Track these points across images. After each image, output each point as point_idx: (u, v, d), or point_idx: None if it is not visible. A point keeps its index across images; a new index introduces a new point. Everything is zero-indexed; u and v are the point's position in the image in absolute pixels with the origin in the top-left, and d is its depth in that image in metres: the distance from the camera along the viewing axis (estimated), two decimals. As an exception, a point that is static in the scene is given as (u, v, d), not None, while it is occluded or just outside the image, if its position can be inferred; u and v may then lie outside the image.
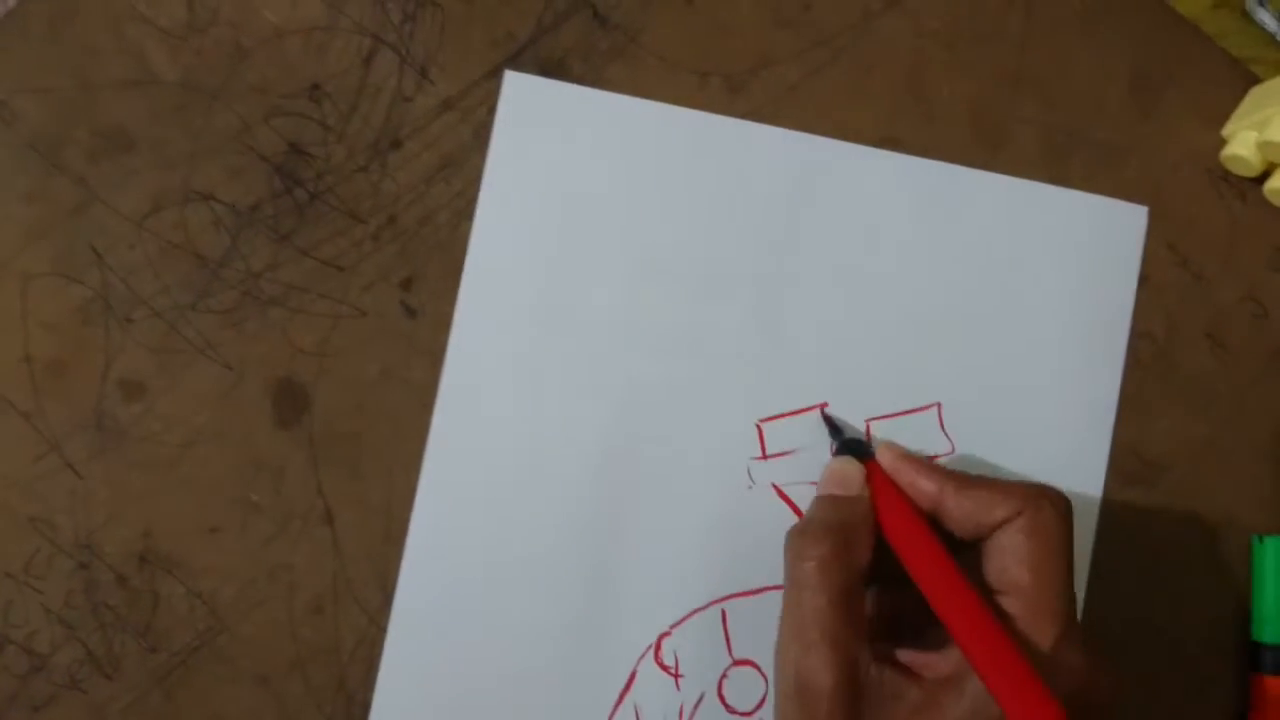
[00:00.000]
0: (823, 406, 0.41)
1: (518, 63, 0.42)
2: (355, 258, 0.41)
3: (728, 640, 0.41)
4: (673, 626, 0.41)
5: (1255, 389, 0.43)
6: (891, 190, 0.42)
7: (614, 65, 0.42)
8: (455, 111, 0.42)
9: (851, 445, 0.39)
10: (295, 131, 0.41)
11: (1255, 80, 0.43)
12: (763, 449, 0.41)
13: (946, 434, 0.41)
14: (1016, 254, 0.42)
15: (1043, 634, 0.33)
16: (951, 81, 0.42)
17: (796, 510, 0.41)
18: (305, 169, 0.41)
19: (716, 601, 0.41)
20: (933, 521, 0.36)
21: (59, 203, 0.40)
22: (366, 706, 0.40)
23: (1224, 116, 0.43)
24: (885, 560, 0.36)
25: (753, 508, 0.41)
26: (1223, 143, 0.43)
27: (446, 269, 0.41)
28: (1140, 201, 0.42)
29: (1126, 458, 0.42)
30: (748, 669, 0.41)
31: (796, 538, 0.36)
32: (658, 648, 0.41)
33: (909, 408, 0.41)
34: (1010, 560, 0.34)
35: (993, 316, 0.42)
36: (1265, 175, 0.42)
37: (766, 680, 0.41)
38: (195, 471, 0.40)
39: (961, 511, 0.35)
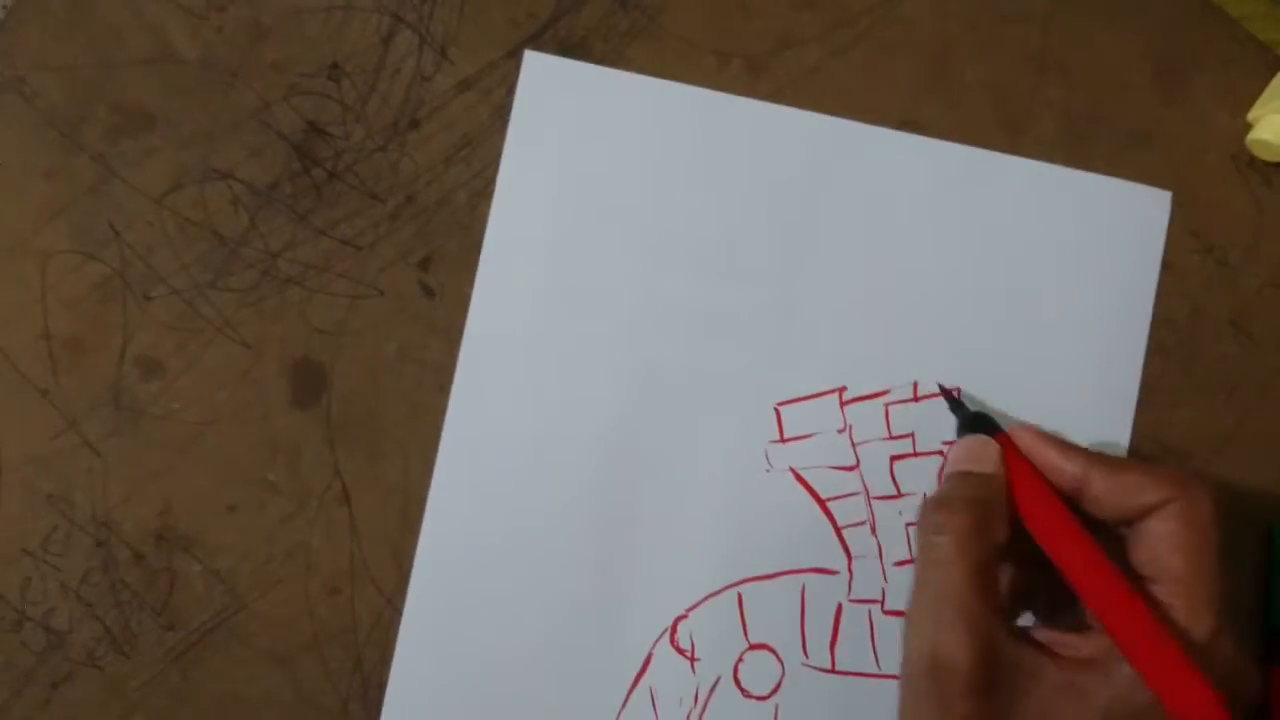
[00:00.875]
0: (954, 391, 0.41)
1: (538, 43, 0.41)
2: (373, 237, 0.41)
3: (744, 624, 0.41)
4: (689, 610, 0.41)
5: (1278, 377, 0.42)
6: (913, 174, 0.42)
7: (635, 45, 0.42)
8: (474, 91, 0.41)
9: (979, 421, 0.38)
10: (314, 110, 0.41)
11: (1282, 64, 0.42)
12: (780, 432, 0.41)
13: None
14: (1039, 239, 0.42)
15: (1199, 623, 0.32)
16: (974, 64, 0.42)
17: (814, 494, 0.41)
18: (324, 148, 0.41)
19: (732, 585, 0.41)
20: (1071, 504, 0.35)
21: (78, 180, 0.40)
22: (383, 687, 0.40)
23: (1250, 101, 0.42)
24: (1015, 539, 0.35)
25: (770, 492, 0.41)
26: (1248, 127, 0.42)
27: (465, 249, 0.41)
28: (1164, 187, 0.42)
29: (1147, 445, 0.42)
30: (764, 653, 0.41)
31: (932, 511, 0.35)
32: (674, 631, 0.41)
33: (929, 392, 0.41)
34: (1163, 547, 0.33)
35: (1014, 301, 0.41)
36: (1291, 161, 0.42)
37: (783, 664, 0.41)
38: (213, 450, 0.40)
39: (1107, 494, 0.34)
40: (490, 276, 0.41)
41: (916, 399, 0.41)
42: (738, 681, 0.41)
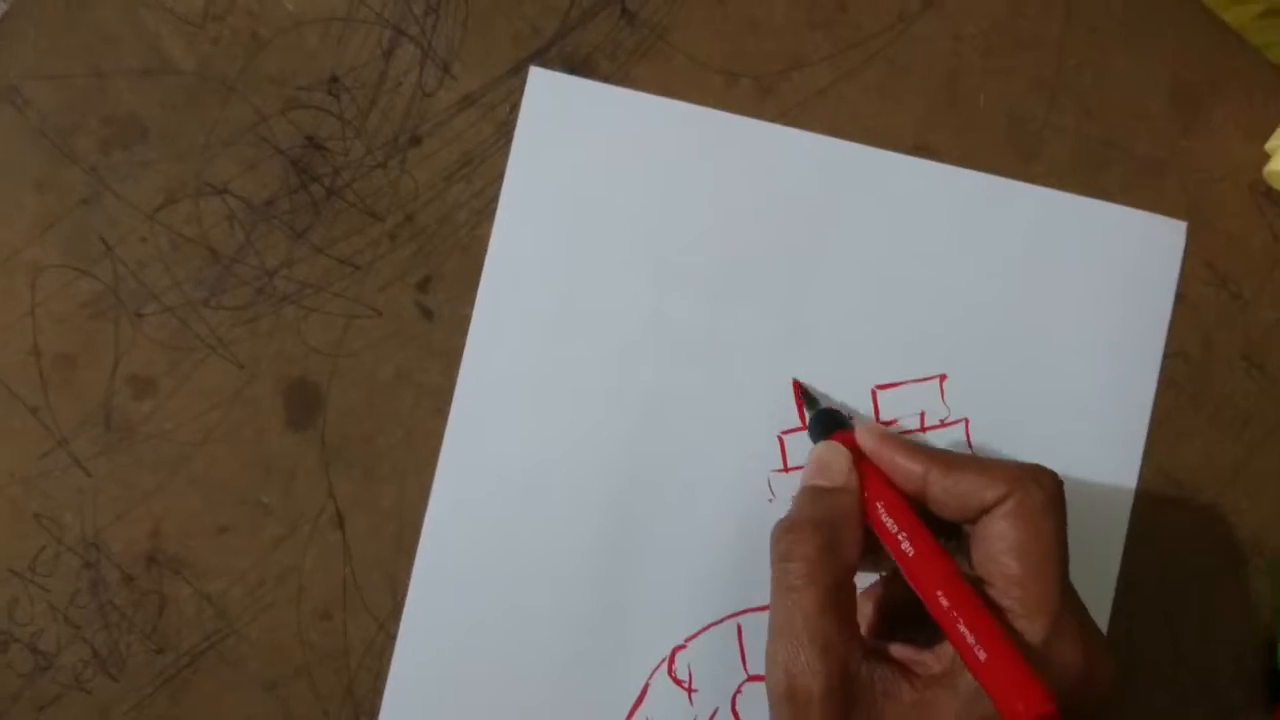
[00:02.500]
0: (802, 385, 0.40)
1: (543, 59, 0.41)
2: (371, 256, 0.40)
3: (743, 655, 0.40)
4: (687, 640, 0.40)
5: (1291, 412, 0.42)
6: (924, 200, 0.41)
7: (642, 64, 0.41)
8: (477, 108, 0.40)
9: (827, 417, 0.38)
10: (313, 125, 0.40)
11: (1302, 94, 0.42)
12: (784, 461, 0.40)
13: (973, 449, 0.40)
14: (1051, 267, 0.41)
15: (1033, 626, 0.32)
16: (988, 88, 0.41)
17: (817, 525, 0.40)
18: (322, 164, 0.40)
19: (732, 616, 0.40)
20: (920, 506, 0.35)
21: (70, 192, 0.39)
22: (374, 714, 0.39)
23: (1268, 130, 0.41)
24: (880, 549, 0.35)
25: (772, 522, 0.40)
26: (1266, 158, 0.41)
27: (465, 270, 0.40)
28: (1179, 216, 0.41)
29: (1156, 479, 0.41)
30: (762, 685, 0.40)
31: (783, 536, 0.34)
32: (671, 661, 0.40)
33: (936, 422, 0.40)
34: (997, 548, 0.33)
35: (1025, 331, 0.41)
36: (1309, 193, 0.41)
37: None
38: (205, 471, 0.40)
39: (947, 495, 0.34)
40: (491, 298, 0.40)
41: (923, 429, 0.40)
42: (735, 713, 0.40)
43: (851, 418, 0.40)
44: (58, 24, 0.40)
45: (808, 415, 0.39)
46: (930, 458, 0.34)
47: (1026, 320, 0.41)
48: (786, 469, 0.40)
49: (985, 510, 0.33)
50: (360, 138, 0.40)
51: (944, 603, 0.32)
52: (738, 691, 0.40)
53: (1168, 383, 0.41)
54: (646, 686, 0.40)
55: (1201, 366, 0.41)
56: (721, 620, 0.40)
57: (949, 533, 0.35)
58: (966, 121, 0.41)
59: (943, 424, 0.40)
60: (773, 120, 0.41)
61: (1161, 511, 0.41)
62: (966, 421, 0.40)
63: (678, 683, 0.40)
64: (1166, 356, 0.41)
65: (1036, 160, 0.41)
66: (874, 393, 0.40)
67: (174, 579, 0.39)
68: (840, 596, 0.33)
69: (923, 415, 0.40)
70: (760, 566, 0.40)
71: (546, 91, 0.40)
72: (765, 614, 0.40)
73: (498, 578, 0.40)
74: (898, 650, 0.35)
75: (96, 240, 0.39)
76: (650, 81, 0.41)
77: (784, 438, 0.40)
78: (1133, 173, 0.41)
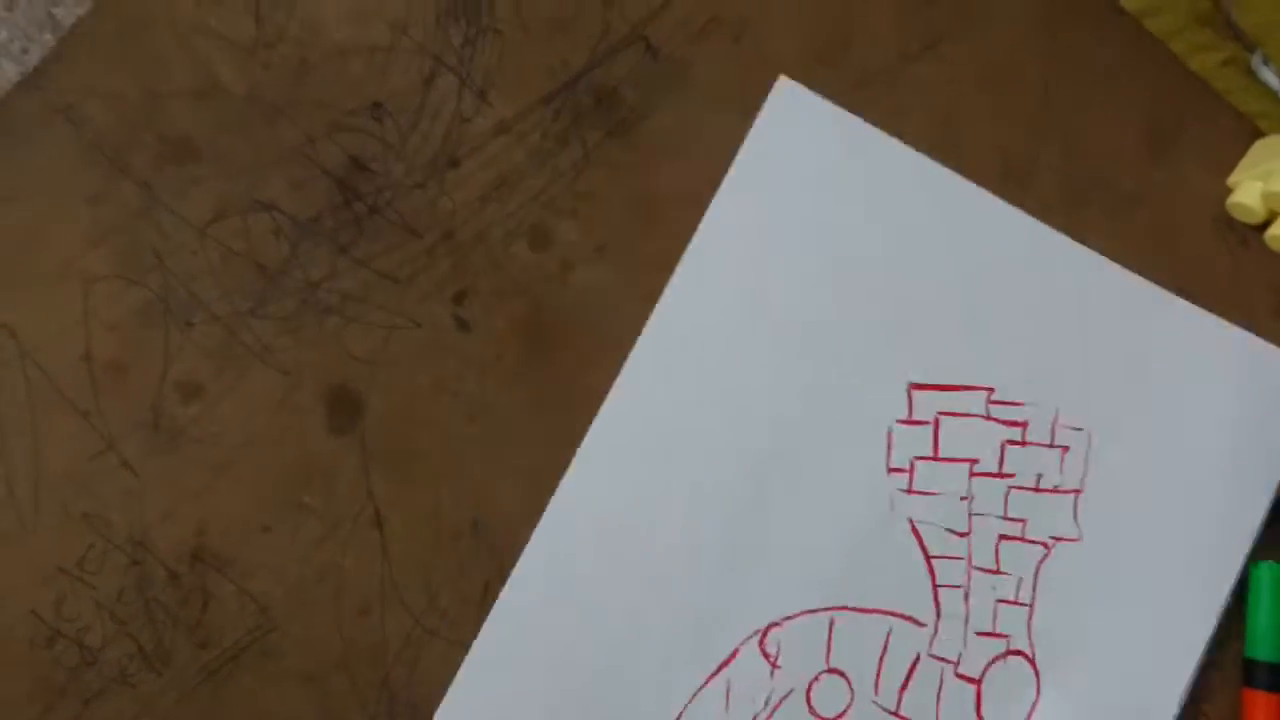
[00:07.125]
0: None
1: (571, 90, 0.43)
2: (411, 271, 0.42)
3: (829, 647, 0.42)
4: (784, 620, 0.42)
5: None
6: (1092, 302, 0.45)
7: (665, 98, 0.44)
8: (511, 135, 0.43)
9: None
10: (357, 147, 0.43)
11: (1260, 133, 0.46)
12: (910, 484, 0.43)
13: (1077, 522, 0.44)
14: (1183, 391, 0.44)
15: None
16: (980, 127, 0.45)
17: (923, 548, 0.43)
18: (365, 183, 0.42)
19: (829, 609, 0.42)
20: None
21: (123, 206, 0.41)
22: (410, 705, 0.41)
23: (1230, 167, 0.45)
24: None
25: (886, 532, 0.43)
26: (1228, 191, 0.45)
27: (499, 285, 0.43)
28: (1149, 246, 0.45)
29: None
30: (838, 678, 0.42)
31: None
32: (764, 635, 0.42)
33: (1049, 486, 0.43)
34: None
35: (1155, 449, 0.44)
36: (1267, 223, 0.45)
37: (853, 694, 0.42)
38: (249, 473, 0.41)
39: None
40: (679, 297, 0.43)
41: (1037, 489, 0.43)
42: (809, 699, 0.42)
43: None
44: (114, 46, 0.42)
45: None
46: None
47: (1157, 441, 0.44)
48: (911, 490, 0.43)
49: None
50: (401, 159, 0.43)
51: None
52: (815, 679, 0.42)
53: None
54: (736, 651, 0.42)
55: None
56: (818, 610, 0.42)
57: None
58: (961, 159, 0.44)
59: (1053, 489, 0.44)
60: (785, 150, 0.44)
61: (1139, 514, 0.44)
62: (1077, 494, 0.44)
63: (765, 656, 0.42)
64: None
65: (1026, 195, 0.44)
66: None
67: (217, 577, 0.41)
68: None
69: (1039, 477, 0.44)
70: (866, 570, 0.43)
71: (790, 106, 0.44)
72: (858, 615, 0.43)
73: (622, 524, 0.42)
74: None
75: (148, 252, 0.41)
76: (672, 115, 0.44)
77: (916, 463, 0.43)
78: (1111, 205, 0.45)
